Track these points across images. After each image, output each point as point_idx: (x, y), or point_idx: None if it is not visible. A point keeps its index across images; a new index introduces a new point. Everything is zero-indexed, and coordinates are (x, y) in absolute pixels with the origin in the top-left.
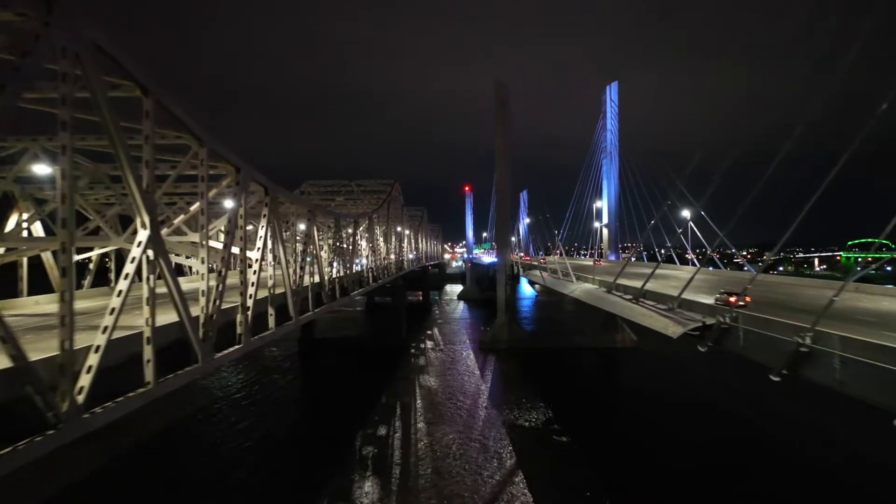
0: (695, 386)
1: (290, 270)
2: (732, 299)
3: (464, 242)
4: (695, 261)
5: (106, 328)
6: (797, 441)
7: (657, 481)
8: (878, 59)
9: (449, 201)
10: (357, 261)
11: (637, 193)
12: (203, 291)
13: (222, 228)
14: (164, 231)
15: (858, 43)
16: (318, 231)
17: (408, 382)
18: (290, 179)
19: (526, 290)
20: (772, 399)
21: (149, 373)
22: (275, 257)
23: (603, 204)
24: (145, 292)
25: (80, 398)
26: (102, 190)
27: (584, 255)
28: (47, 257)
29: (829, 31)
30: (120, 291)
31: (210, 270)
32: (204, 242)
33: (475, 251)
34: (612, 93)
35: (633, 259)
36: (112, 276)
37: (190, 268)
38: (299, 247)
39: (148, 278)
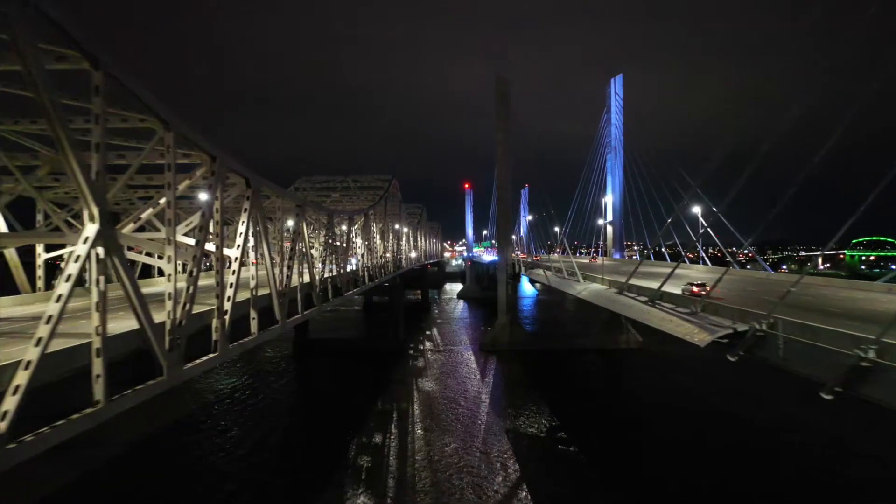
0: (704, 390)
1: (277, 270)
2: (695, 289)
3: (463, 240)
4: (706, 259)
5: (40, 340)
6: (821, 453)
7: (675, 500)
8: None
9: (448, 200)
10: (352, 259)
11: (643, 189)
12: (170, 294)
13: (196, 224)
14: (129, 227)
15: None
16: (309, 228)
17: (405, 387)
18: (288, 178)
19: (527, 288)
20: (786, 404)
21: (98, 390)
22: (259, 256)
23: (607, 200)
24: (95, 296)
25: (3, 425)
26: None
27: (583, 254)
28: (11, 255)
29: (828, 32)
30: (60, 296)
31: (186, 272)
32: (171, 239)
33: (475, 249)
34: (616, 85)
35: (633, 257)
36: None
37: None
38: (287, 244)
39: (98, 280)
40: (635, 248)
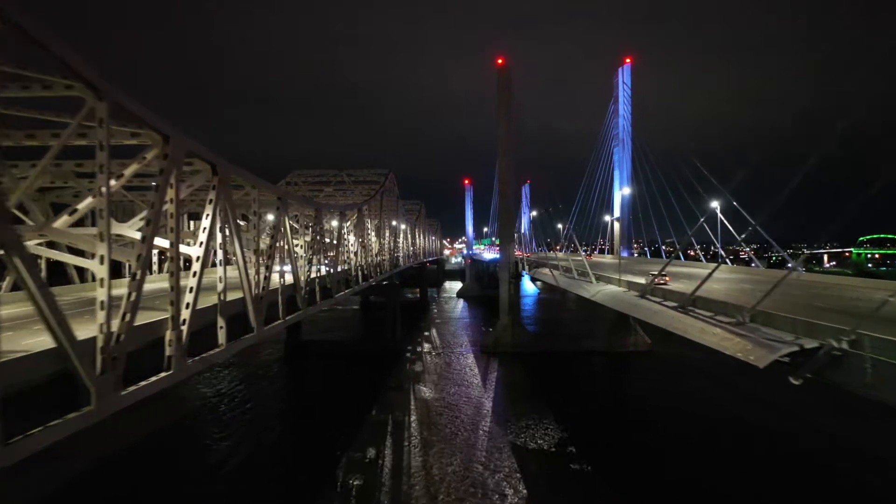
0: (721, 396)
1: (252, 271)
2: (659, 280)
3: (463, 238)
4: (726, 258)
5: None
6: (848, 465)
7: None
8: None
9: (448, 198)
10: (344, 258)
11: (655, 184)
12: (103, 303)
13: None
14: (62, 220)
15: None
16: (293, 223)
17: (402, 393)
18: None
19: (528, 287)
20: (806, 411)
21: None
22: (228, 254)
23: (615, 195)
24: None
25: None
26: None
27: (584, 252)
28: None
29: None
30: None
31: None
32: (105, 234)
33: (475, 247)
34: (624, 75)
35: (635, 255)
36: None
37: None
38: (266, 242)
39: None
40: (634, 246)
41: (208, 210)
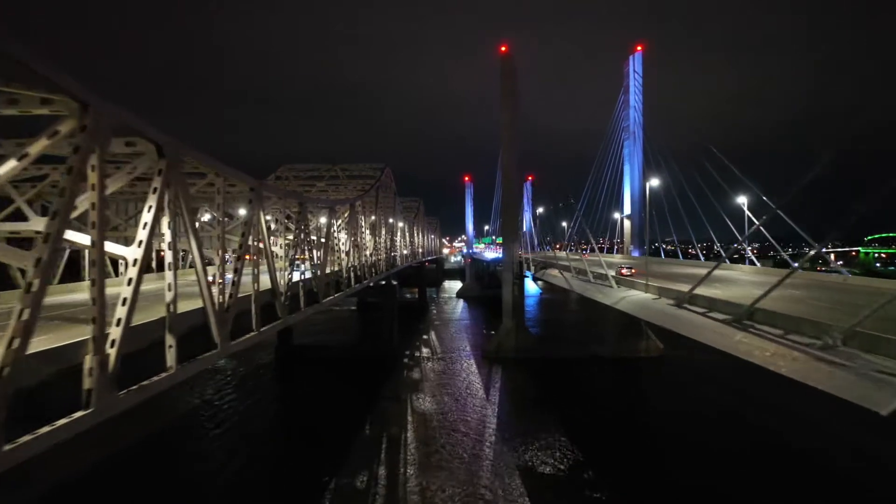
0: (743, 406)
1: (217, 275)
2: (624, 271)
3: (463, 236)
4: (753, 259)
5: None
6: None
7: None
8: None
9: (447, 196)
10: (334, 258)
11: (671, 179)
12: None
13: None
14: None
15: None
16: (272, 220)
17: (398, 405)
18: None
19: (529, 286)
20: (831, 424)
21: None
22: (176, 253)
23: (625, 191)
24: None
25: None
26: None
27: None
28: None
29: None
30: None
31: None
32: None
33: (475, 246)
34: (635, 63)
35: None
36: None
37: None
38: (234, 240)
39: None
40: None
41: (151, 201)
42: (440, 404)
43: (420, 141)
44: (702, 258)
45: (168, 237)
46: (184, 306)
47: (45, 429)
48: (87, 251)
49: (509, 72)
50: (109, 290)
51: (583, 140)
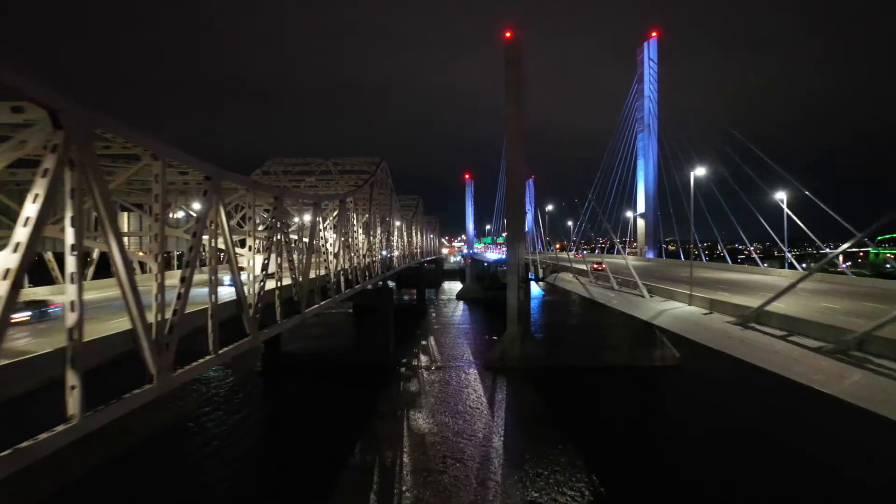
0: (781, 428)
1: (154, 287)
2: (595, 266)
3: (463, 236)
4: (793, 262)
5: None
6: None
7: None
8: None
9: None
10: (320, 261)
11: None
12: None
13: None
14: None
15: None
16: (237, 215)
17: (394, 423)
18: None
19: (531, 288)
20: (851, 432)
21: None
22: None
23: (638, 188)
24: None
25: None
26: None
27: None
28: None
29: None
30: None
31: None
32: None
33: (476, 246)
34: (649, 51)
35: (651, 255)
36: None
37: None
38: (185, 239)
39: None
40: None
41: (38, 188)
42: (440, 424)
43: (420, 140)
44: (729, 261)
45: (70, 237)
46: (107, 328)
47: None
48: None
49: (514, 60)
50: None
51: (594, 139)
